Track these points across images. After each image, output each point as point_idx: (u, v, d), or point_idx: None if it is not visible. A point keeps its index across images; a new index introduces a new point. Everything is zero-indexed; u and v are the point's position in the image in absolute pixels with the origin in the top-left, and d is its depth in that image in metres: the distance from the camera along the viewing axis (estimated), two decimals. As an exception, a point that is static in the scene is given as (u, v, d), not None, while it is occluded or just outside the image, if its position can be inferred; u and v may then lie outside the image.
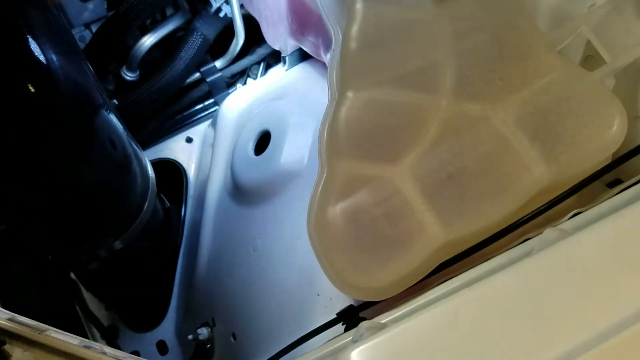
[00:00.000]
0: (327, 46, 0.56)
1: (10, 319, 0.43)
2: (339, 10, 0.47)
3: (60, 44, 0.54)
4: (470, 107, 0.42)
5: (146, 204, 0.65)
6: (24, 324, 0.43)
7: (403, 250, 0.40)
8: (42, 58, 0.51)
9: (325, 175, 0.43)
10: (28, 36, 0.51)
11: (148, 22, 0.83)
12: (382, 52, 0.44)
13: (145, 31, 0.82)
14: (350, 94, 0.43)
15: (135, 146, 0.64)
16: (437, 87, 0.42)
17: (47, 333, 0.43)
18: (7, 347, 0.41)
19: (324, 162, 0.44)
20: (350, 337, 0.41)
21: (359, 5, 0.44)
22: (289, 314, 0.59)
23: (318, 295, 0.56)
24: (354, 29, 0.43)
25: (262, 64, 0.93)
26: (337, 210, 0.41)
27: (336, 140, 0.43)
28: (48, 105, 0.52)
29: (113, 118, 0.60)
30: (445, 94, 0.42)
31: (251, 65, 0.92)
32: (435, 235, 0.40)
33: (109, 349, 0.46)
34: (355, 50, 0.44)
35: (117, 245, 0.63)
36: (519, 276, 0.32)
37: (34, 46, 0.51)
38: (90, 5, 0.84)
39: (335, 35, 0.47)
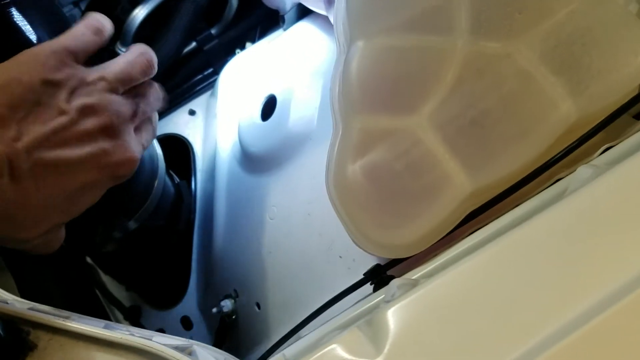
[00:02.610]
0: (330, 1, 0.53)
1: (31, 309, 0.43)
2: (340, -44, 0.44)
3: (52, 23, 0.52)
4: (489, 45, 0.39)
5: (156, 181, 0.64)
6: (46, 312, 0.42)
7: (429, 203, 0.38)
8: (33, 38, 0.49)
9: (340, 133, 0.42)
10: (18, 16, 0.49)
11: (137, -7, 0.80)
12: (390, -5, 0.41)
13: (135, 3, 0.79)
14: (360, 44, 0.41)
15: (139, 122, 0.62)
16: (451, 27, 0.40)
17: (71, 319, 0.42)
18: (32, 336, 0.41)
19: (338, 119, 0.42)
20: (381, 297, 0.40)
21: (361, -52, 0.41)
22: (312, 279, 0.58)
23: (340, 257, 0.55)
24: (359, -27, 0.41)
25: (258, 27, 0.90)
26: (356, 168, 0.40)
27: (349, 96, 0.41)
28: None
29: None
30: (461, 34, 0.40)
31: (248, 29, 0.89)
32: (462, 185, 0.38)
33: (135, 329, 0.46)
34: (362, -4, 0.41)
35: (132, 225, 0.62)
36: (558, 217, 0.30)
37: (25, 27, 0.49)
38: (77, -21, 0.81)
39: (338, -17, 0.44)
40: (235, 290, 0.68)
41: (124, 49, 0.80)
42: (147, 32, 0.82)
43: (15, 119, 0.38)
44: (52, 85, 0.41)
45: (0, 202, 0.37)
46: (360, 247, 0.40)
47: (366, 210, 0.39)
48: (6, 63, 0.41)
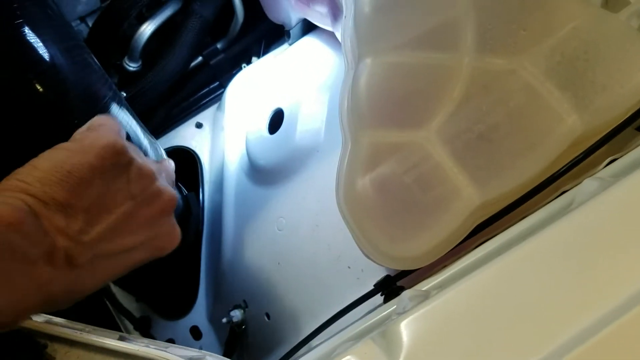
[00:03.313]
0: (336, 14, 0.55)
1: (47, 322, 0.43)
2: (347, -25, 0.45)
3: (64, 40, 0.53)
4: (495, 61, 0.40)
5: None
6: (62, 325, 0.43)
7: (438, 216, 0.39)
8: (46, 56, 0.50)
9: (349, 147, 0.43)
10: (31, 34, 0.49)
11: (144, 9, 0.81)
12: (397, 13, 0.42)
13: (142, 19, 0.80)
14: (368, 61, 0.42)
15: (150, 137, 0.63)
16: (457, 44, 0.41)
17: (86, 331, 0.43)
18: (49, 349, 0.42)
19: (347, 134, 0.43)
20: (392, 308, 0.40)
21: (369, -32, 0.42)
22: (321, 289, 0.59)
23: (349, 268, 0.56)
24: (367, -7, 0.42)
25: (263, 41, 0.91)
26: (366, 181, 0.41)
27: (358, 111, 0.42)
28: (58, 103, 0.51)
29: (125, 111, 0.59)
30: (467, 50, 0.41)
31: (253, 43, 0.90)
32: (470, 198, 0.39)
33: (149, 341, 0.46)
34: (369, 15, 0.42)
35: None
36: (566, 231, 0.31)
37: (37, 45, 0.50)
38: (83, -2, 0.83)
39: (346, 1, 0.45)
40: (244, 301, 0.69)
41: (131, 64, 0.82)
42: (155, 48, 0.84)
43: (81, 208, 0.35)
44: (119, 167, 0.39)
45: (52, 289, 0.34)
46: (371, 259, 0.41)
47: (376, 223, 0.40)
48: (71, 144, 0.39)
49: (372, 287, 0.52)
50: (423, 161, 0.40)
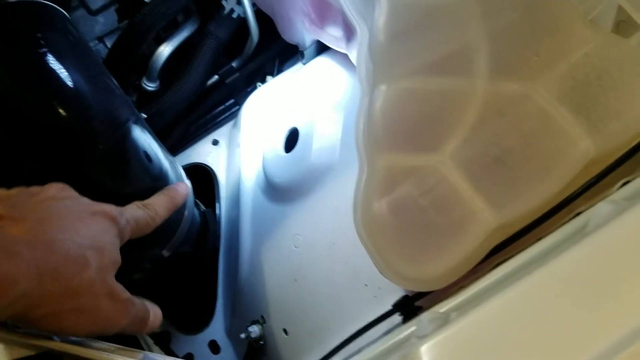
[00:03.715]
0: (349, 37, 0.56)
1: (73, 342, 0.45)
2: (362, 5, 0.46)
3: (86, 66, 0.54)
4: (509, 86, 0.41)
5: (185, 211, 0.66)
6: (80, 343, 0.44)
7: (455, 239, 0.40)
8: (70, 83, 0.52)
9: (366, 171, 0.44)
10: (55, 62, 0.51)
11: (161, 31, 0.83)
12: (412, 41, 0.43)
13: (160, 41, 0.82)
14: (383, 87, 0.43)
15: (169, 156, 0.65)
16: (471, 70, 0.42)
17: (111, 350, 0.44)
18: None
19: (364, 158, 0.44)
20: (411, 329, 0.41)
21: (384, -3, 0.43)
22: (338, 306, 0.59)
23: (366, 285, 0.57)
24: (381, 21, 0.43)
25: (277, 60, 0.93)
26: (383, 204, 0.42)
27: (374, 135, 0.43)
28: (83, 129, 0.52)
29: (145, 131, 0.60)
30: (481, 75, 0.42)
31: (266, 61, 0.92)
32: (486, 220, 0.40)
33: (171, 359, 0.48)
34: (385, 42, 0.43)
35: (165, 254, 0.65)
36: (585, 256, 0.32)
37: (61, 72, 0.51)
38: (100, 19, 0.85)
39: (360, 29, 0.47)
40: (262, 316, 0.70)
41: (150, 84, 0.84)
42: (172, 67, 0.86)
43: None
44: None
45: None
46: (391, 281, 0.42)
47: (394, 246, 0.41)
48: None
49: (389, 305, 0.53)
50: (439, 184, 0.41)
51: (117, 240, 0.43)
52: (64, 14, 0.55)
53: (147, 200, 0.53)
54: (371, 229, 0.42)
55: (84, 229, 0.40)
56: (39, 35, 0.49)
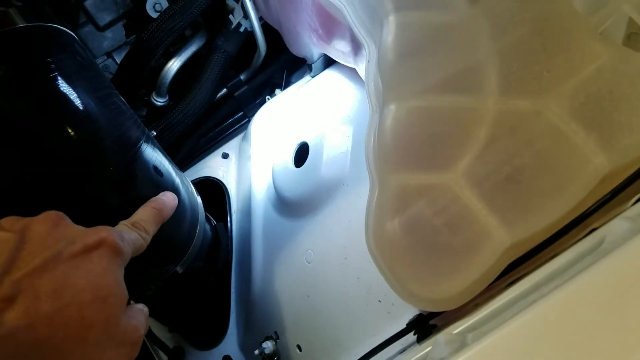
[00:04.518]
0: (356, 51, 0.56)
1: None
2: (369, 23, 0.46)
3: (97, 89, 0.55)
4: (520, 103, 0.41)
5: (197, 227, 0.66)
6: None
7: (469, 258, 0.40)
8: (81, 106, 0.52)
9: (377, 190, 0.43)
10: (65, 86, 0.51)
11: (170, 46, 0.84)
12: (421, 59, 0.43)
13: (169, 56, 0.83)
14: (393, 106, 0.43)
15: (179, 172, 0.65)
16: (481, 87, 0.42)
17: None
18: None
19: (375, 177, 0.44)
20: (427, 350, 0.41)
21: (392, 17, 0.43)
22: (352, 322, 0.59)
23: (379, 301, 0.57)
24: (390, 40, 0.43)
25: (284, 71, 0.93)
26: (395, 224, 0.41)
27: (384, 154, 0.43)
28: (94, 151, 0.53)
29: (156, 150, 0.61)
30: (492, 92, 0.41)
31: (274, 73, 0.92)
32: (500, 239, 0.39)
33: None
34: (393, 61, 0.43)
35: (179, 269, 0.65)
36: (603, 276, 0.32)
37: (72, 96, 0.51)
38: (108, 34, 0.85)
39: (369, 47, 0.46)
40: (275, 332, 0.70)
41: (159, 99, 0.84)
42: (180, 81, 0.86)
43: None
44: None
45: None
46: (405, 302, 0.41)
47: (408, 266, 0.41)
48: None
49: (403, 322, 0.52)
50: (452, 203, 0.40)
51: (121, 272, 0.41)
52: (73, 35, 0.55)
53: (133, 216, 0.50)
54: (384, 249, 0.42)
55: (83, 278, 0.38)
56: (50, 60, 0.49)
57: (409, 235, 0.41)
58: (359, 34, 0.47)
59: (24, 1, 0.49)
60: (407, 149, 0.43)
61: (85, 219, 0.48)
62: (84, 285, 0.37)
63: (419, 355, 0.41)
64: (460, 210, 0.40)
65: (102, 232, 0.42)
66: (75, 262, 0.38)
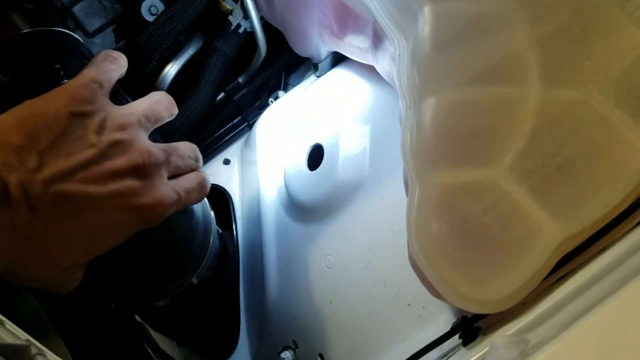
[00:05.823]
0: (378, 47, 0.54)
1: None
2: (399, 16, 0.44)
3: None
4: (563, 92, 0.40)
5: (211, 237, 0.64)
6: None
7: (522, 255, 0.38)
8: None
9: (417, 189, 0.42)
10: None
11: (165, 52, 0.81)
12: (458, 50, 0.42)
13: (165, 62, 0.80)
14: (431, 100, 0.41)
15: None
16: (523, 77, 0.40)
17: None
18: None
19: (414, 176, 0.42)
20: (479, 354, 0.39)
21: (427, 7, 0.41)
22: (380, 328, 0.57)
23: (409, 305, 0.55)
24: (426, 31, 0.41)
25: (283, 73, 0.91)
26: (442, 224, 0.40)
27: (424, 151, 0.41)
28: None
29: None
30: (534, 83, 0.40)
31: (273, 75, 0.90)
32: (553, 233, 0.38)
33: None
34: (431, 53, 0.42)
35: (194, 280, 0.63)
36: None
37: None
38: (97, 40, 0.82)
39: (399, 41, 0.45)
40: (294, 341, 0.67)
41: (157, 106, 0.81)
42: (178, 86, 0.83)
43: (35, 150, 0.36)
44: (80, 116, 0.39)
45: (17, 234, 0.35)
46: (453, 304, 0.40)
47: (458, 267, 0.39)
48: (35, 99, 0.39)
49: (435, 325, 0.51)
50: (501, 199, 0.39)
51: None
52: (78, 38, 0.53)
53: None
54: (431, 250, 0.40)
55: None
56: (58, 66, 0.46)
57: (457, 235, 0.39)
58: (388, 27, 0.45)
59: (35, 3, 0.46)
60: (449, 145, 0.41)
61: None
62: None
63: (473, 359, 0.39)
64: (510, 206, 0.39)
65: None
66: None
